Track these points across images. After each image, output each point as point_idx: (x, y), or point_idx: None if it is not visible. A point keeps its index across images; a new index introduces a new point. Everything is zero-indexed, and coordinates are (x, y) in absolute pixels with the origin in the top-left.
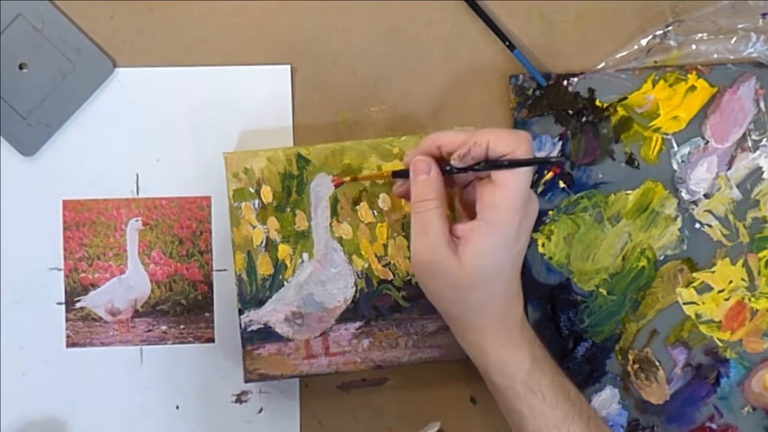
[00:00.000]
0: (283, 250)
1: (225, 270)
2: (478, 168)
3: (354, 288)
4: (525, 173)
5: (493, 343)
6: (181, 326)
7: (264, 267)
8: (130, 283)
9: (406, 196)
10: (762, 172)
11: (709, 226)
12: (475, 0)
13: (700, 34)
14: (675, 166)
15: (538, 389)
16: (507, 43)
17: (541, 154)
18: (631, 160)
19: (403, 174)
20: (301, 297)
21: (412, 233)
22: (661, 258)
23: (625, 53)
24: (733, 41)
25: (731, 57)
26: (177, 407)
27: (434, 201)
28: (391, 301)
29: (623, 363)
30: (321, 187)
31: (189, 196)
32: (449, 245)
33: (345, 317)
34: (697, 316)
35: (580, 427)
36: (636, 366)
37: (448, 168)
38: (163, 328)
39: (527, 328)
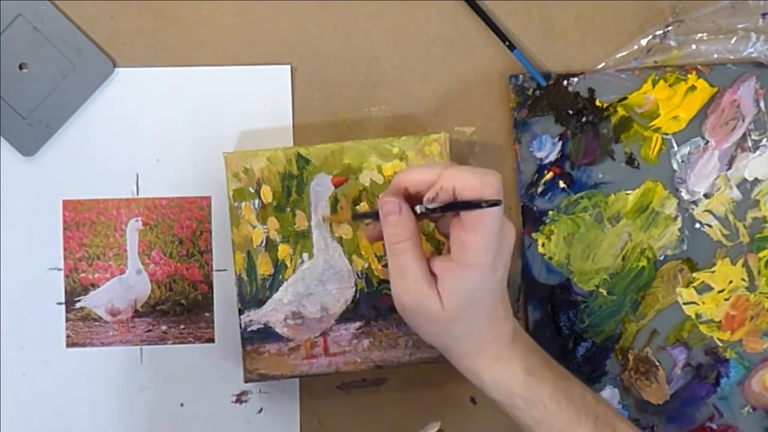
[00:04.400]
0: (283, 250)
1: (225, 270)
2: (446, 209)
3: (354, 288)
4: (493, 214)
5: (484, 365)
6: (181, 326)
7: (264, 267)
8: (130, 283)
9: (379, 238)
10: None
11: (709, 226)
12: (475, 0)
13: (700, 34)
14: (675, 166)
15: (538, 400)
16: (507, 43)
17: (542, 154)
18: (631, 160)
19: (366, 216)
20: (301, 297)
21: (391, 275)
22: (661, 258)
23: (625, 53)
24: (733, 41)
25: (731, 57)
26: (181, 404)
27: (408, 241)
28: (391, 301)
29: (623, 363)
30: (321, 187)
31: (189, 196)
32: (429, 285)
33: (345, 317)
34: (697, 316)
35: (588, 430)
36: (636, 366)
37: (417, 210)
38: (163, 328)
39: (521, 339)
